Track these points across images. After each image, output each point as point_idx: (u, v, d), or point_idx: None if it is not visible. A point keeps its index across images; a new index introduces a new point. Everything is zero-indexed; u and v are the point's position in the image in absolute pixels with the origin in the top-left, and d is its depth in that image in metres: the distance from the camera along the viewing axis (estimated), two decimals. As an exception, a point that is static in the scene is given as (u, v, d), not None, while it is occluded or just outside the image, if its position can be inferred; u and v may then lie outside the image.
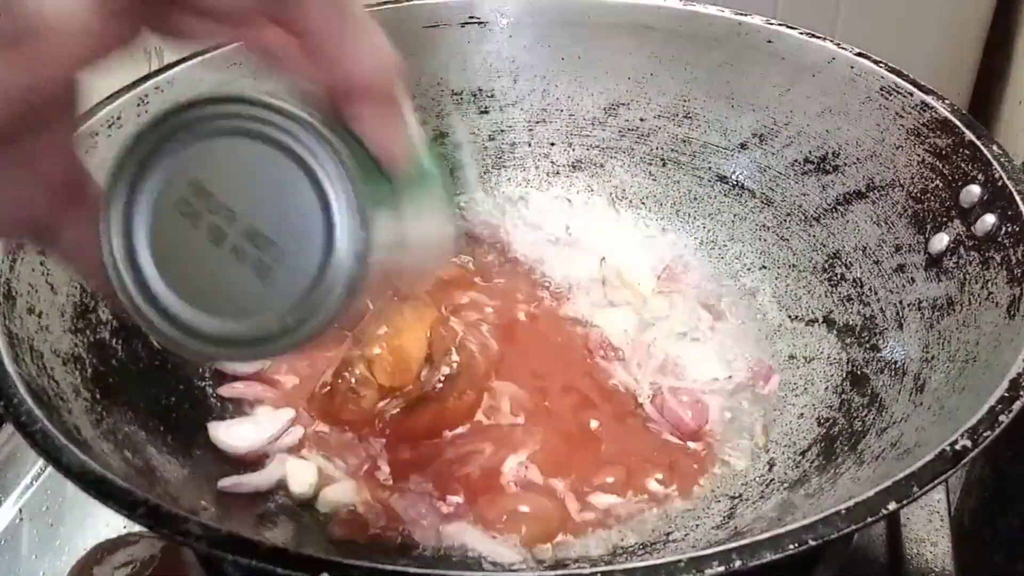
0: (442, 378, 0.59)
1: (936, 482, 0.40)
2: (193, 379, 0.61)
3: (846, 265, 0.65)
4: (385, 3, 0.75)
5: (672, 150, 0.77)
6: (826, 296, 0.66)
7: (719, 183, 0.74)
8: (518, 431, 0.58)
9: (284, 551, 0.37)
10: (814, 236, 0.68)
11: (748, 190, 0.73)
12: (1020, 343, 0.47)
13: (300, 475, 0.55)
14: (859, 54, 0.67)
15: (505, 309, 0.68)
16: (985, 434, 0.42)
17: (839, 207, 0.67)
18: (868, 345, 0.60)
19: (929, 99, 0.62)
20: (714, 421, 0.60)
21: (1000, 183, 0.56)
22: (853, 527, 0.38)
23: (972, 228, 0.56)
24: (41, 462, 0.66)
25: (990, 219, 0.55)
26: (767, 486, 0.55)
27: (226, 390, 0.62)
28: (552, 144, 0.80)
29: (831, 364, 0.62)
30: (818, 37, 0.69)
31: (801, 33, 0.70)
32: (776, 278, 0.70)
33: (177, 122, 0.33)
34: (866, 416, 0.55)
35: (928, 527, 0.62)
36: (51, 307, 0.53)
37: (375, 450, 0.57)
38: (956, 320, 0.54)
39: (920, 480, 0.40)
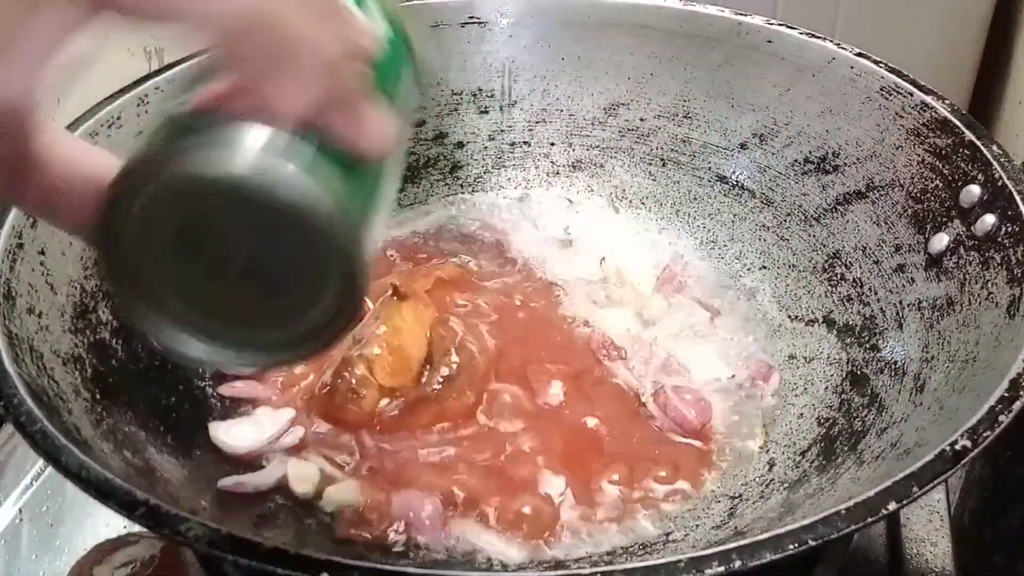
0: (441, 378, 0.59)
1: (936, 482, 0.40)
2: (193, 379, 0.61)
3: (846, 265, 0.65)
4: (385, 3, 0.75)
5: (672, 150, 0.77)
6: (826, 296, 0.66)
7: (719, 183, 0.74)
8: (520, 431, 0.58)
9: (284, 551, 0.37)
10: (814, 236, 0.68)
11: (748, 190, 0.73)
12: (1020, 343, 0.47)
13: (301, 475, 0.55)
14: (859, 54, 0.67)
15: (506, 309, 0.68)
16: (985, 434, 0.42)
17: (839, 207, 0.67)
18: (868, 345, 0.60)
19: (929, 99, 0.62)
20: (716, 420, 0.60)
21: (1000, 183, 0.56)
22: (853, 527, 0.38)
23: (972, 228, 0.56)
24: (41, 462, 0.66)
25: (990, 219, 0.55)
26: (767, 486, 0.55)
27: (226, 389, 0.62)
28: (552, 144, 0.80)
29: (831, 364, 0.62)
30: (818, 37, 0.69)
31: (801, 33, 0.70)
32: (776, 278, 0.70)
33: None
34: (866, 416, 0.55)
35: (928, 527, 0.62)
36: (51, 307, 0.53)
37: (376, 450, 0.57)
38: (956, 320, 0.54)
39: (920, 480, 0.40)
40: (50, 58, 0.30)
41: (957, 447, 0.41)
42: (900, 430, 0.51)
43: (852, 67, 0.67)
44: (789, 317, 0.67)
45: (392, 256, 0.73)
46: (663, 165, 0.77)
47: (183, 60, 0.67)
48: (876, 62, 0.66)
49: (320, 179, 0.32)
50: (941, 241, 0.58)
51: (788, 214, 0.70)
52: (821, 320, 0.65)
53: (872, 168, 0.65)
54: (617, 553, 0.52)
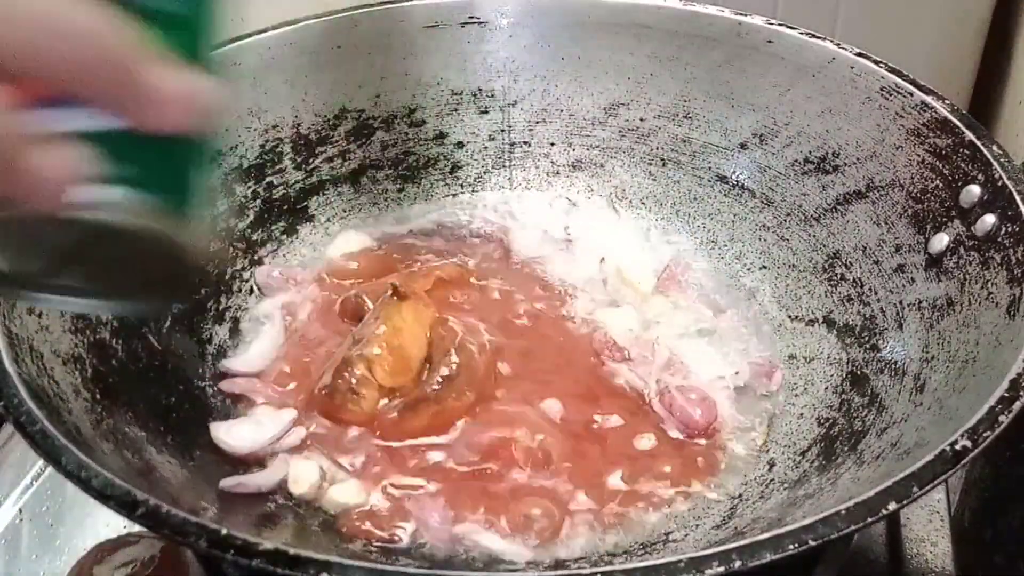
0: (441, 378, 0.59)
1: (936, 482, 0.40)
2: (193, 379, 0.61)
3: (846, 265, 0.65)
4: (385, 3, 0.75)
5: (672, 150, 0.77)
6: (826, 296, 0.66)
7: (719, 183, 0.74)
8: (523, 431, 0.58)
9: (284, 551, 0.37)
10: (814, 236, 0.68)
11: (748, 190, 0.73)
12: (1020, 343, 0.47)
13: (302, 476, 0.55)
14: (859, 54, 0.67)
15: (507, 309, 0.68)
16: (985, 434, 0.42)
17: (839, 207, 0.67)
18: (868, 345, 0.60)
19: (929, 99, 0.62)
20: (720, 419, 0.60)
21: (1000, 183, 0.56)
22: (853, 527, 0.38)
23: (972, 228, 0.56)
24: (41, 462, 0.66)
25: (990, 219, 0.55)
26: (767, 486, 0.55)
27: (227, 385, 0.62)
28: (552, 144, 0.80)
29: (831, 364, 0.62)
30: (818, 37, 0.69)
31: (801, 33, 0.70)
32: (776, 278, 0.70)
33: None
34: (866, 416, 0.55)
35: (928, 527, 0.62)
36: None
37: (378, 450, 0.57)
38: (956, 320, 0.54)
39: (920, 480, 0.40)
40: None
41: (957, 447, 0.41)
42: (900, 430, 0.51)
43: (852, 67, 0.67)
44: (789, 317, 0.67)
45: (392, 256, 0.73)
46: (663, 165, 0.77)
47: (183, 60, 0.67)
48: (876, 62, 0.66)
49: (124, 197, 0.32)
50: (941, 241, 0.58)
51: (788, 214, 0.70)
52: (821, 320, 0.65)
53: (872, 168, 0.65)
54: (617, 553, 0.52)
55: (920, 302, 0.58)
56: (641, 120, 0.77)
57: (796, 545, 0.37)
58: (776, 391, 0.62)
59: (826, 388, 0.61)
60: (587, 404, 0.61)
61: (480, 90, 0.79)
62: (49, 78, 0.29)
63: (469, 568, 0.51)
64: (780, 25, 0.71)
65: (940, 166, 0.60)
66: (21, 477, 0.65)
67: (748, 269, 0.71)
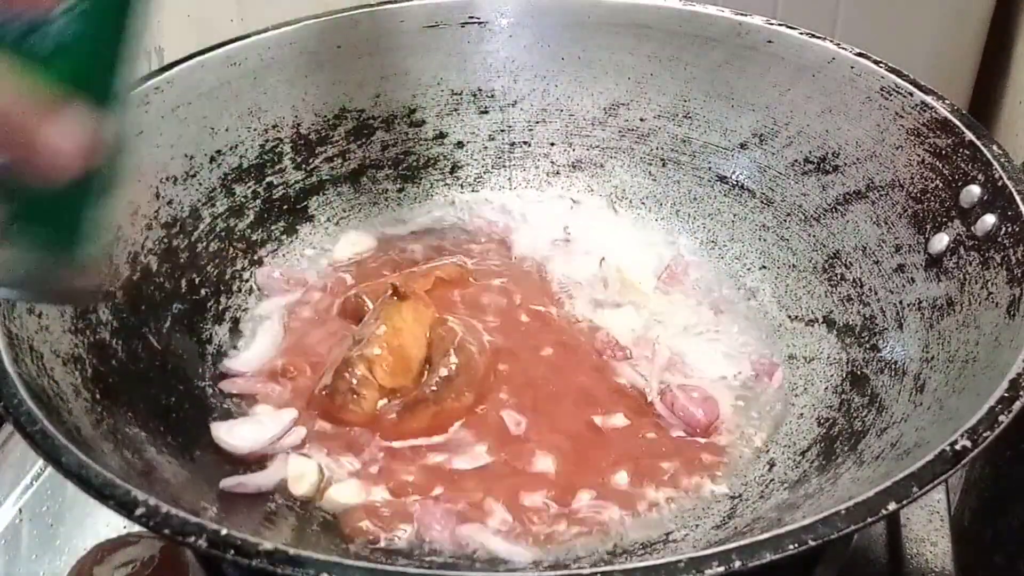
0: (440, 379, 0.59)
1: (936, 482, 0.40)
2: (193, 379, 0.61)
3: (846, 265, 0.65)
4: (385, 3, 0.75)
5: (672, 150, 0.77)
6: (826, 296, 0.66)
7: (719, 183, 0.74)
8: (526, 431, 0.58)
9: (284, 551, 0.37)
10: (814, 236, 0.68)
11: (748, 190, 0.73)
12: (1020, 343, 0.47)
13: (300, 476, 0.55)
14: (859, 54, 0.67)
15: (507, 309, 0.68)
16: (985, 434, 0.42)
17: (839, 207, 0.67)
18: (868, 345, 0.60)
19: (929, 99, 0.62)
20: (722, 418, 0.60)
21: (1000, 183, 0.56)
22: (853, 527, 0.38)
23: (972, 228, 0.56)
24: (41, 462, 0.66)
25: (990, 219, 0.55)
26: (767, 486, 0.55)
27: (227, 385, 0.62)
28: (552, 144, 0.80)
29: (831, 364, 0.62)
30: (818, 37, 0.69)
31: (801, 33, 0.70)
32: (776, 278, 0.70)
33: None
34: (866, 416, 0.55)
35: (928, 527, 0.62)
36: (51, 307, 0.53)
37: (379, 451, 0.57)
38: (956, 320, 0.54)
39: (920, 480, 0.40)
40: None
41: (957, 447, 0.41)
42: (900, 430, 0.51)
43: (852, 67, 0.67)
44: (789, 317, 0.67)
45: (392, 256, 0.73)
46: (663, 165, 0.77)
47: (183, 60, 0.67)
48: (876, 62, 0.66)
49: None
50: (941, 241, 0.58)
51: (788, 214, 0.70)
52: (821, 320, 0.65)
53: (872, 168, 0.65)
54: (617, 553, 0.52)
55: (920, 302, 0.58)
56: (641, 120, 0.77)
57: (796, 545, 0.37)
58: (777, 390, 0.62)
59: (826, 388, 0.61)
60: (589, 403, 0.61)
61: (480, 90, 0.79)
62: None
63: (470, 568, 0.51)
64: (780, 25, 0.71)
65: (940, 166, 0.60)
66: (21, 477, 0.65)
67: (748, 269, 0.71)
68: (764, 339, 0.66)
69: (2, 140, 0.29)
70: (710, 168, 0.75)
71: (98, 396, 0.51)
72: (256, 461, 0.57)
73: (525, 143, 0.80)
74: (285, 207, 0.74)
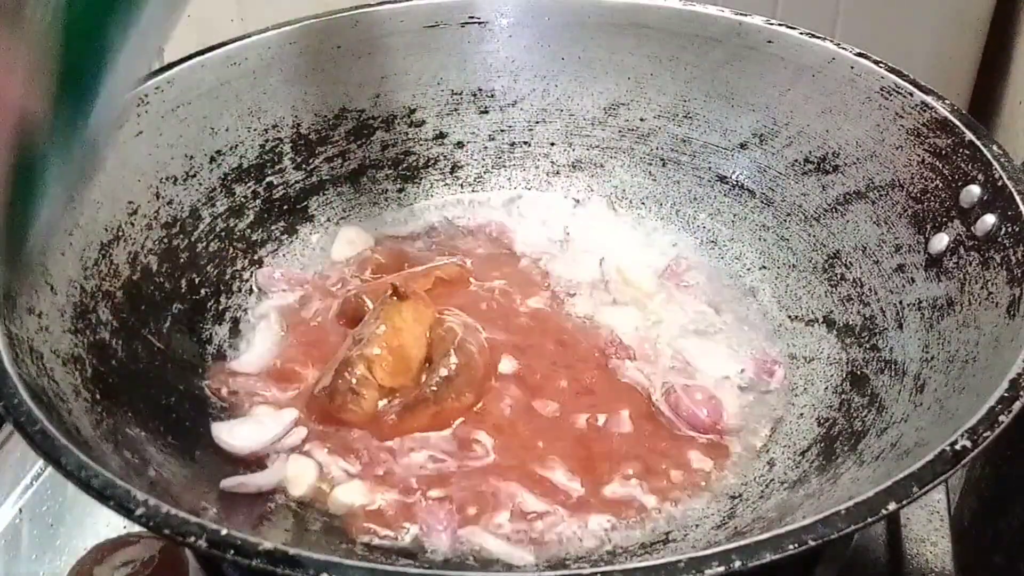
0: (440, 379, 0.59)
1: (936, 482, 0.40)
2: (193, 379, 0.61)
3: (846, 265, 0.65)
4: (385, 3, 0.75)
5: (672, 150, 0.77)
6: (826, 296, 0.66)
7: (719, 183, 0.74)
8: (529, 431, 0.58)
9: (284, 551, 0.37)
10: (814, 236, 0.68)
11: (748, 190, 0.73)
12: (1020, 343, 0.47)
13: (298, 477, 0.55)
14: (859, 54, 0.67)
15: (507, 309, 0.68)
16: (985, 434, 0.42)
17: (839, 207, 0.67)
18: (868, 345, 0.60)
19: (929, 99, 0.62)
20: (725, 418, 0.60)
21: (1000, 183, 0.56)
22: (853, 527, 0.38)
23: (972, 228, 0.56)
24: (41, 462, 0.66)
25: (990, 219, 0.55)
26: (767, 486, 0.55)
27: (227, 385, 0.62)
28: (552, 144, 0.80)
29: (831, 364, 0.62)
30: (818, 37, 0.69)
31: (801, 33, 0.70)
32: (776, 278, 0.70)
33: None
34: (866, 416, 0.55)
35: (928, 527, 0.62)
36: (51, 307, 0.53)
37: (378, 451, 0.57)
38: (956, 320, 0.54)
39: (920, 480, 0.40)
40: None
41: (957, 447, 0.41)
42: (900, 430, 0.51)
43: (852, 67, 0.67)
44: (789, 317, 0.67)
45: (392, 256, 0.73)
46: (663, 165, 0.77)
47: (183, 60, 0.67)
48: (876, 62, 0.66)
49: None
50: (941, 241, 0.58)
51: (788, 214, 0.70)
52: (821, 320, 0.65)
53: (872, 168, 0.65)
54: (617, 553, 0.52)
55: (920, 302, 0.58)
56: (641, 120, 0.77)
57: (796, 545, 0.37)
58: (778, 388, 0.62)
59: (826, 388, 0.61)
60: (592, 403, 0.61)
61: (480, 90, 0.79)
62: None
63: (470, 569, 0.51)
64: (780, 25, 0.71)
65: (940, 166, 0.60)
66: (21, 477, 0.65)
67: (748, 269, 0.71)
68: (764, 339, 0.66)
69: None
70: (710, 168, 0.75)
71: (98, 396, 0.51)
72: (256, 461, 0.57)
73: (525, 143, 0.80)
74: (285, 207, 0.74)
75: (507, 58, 0.78)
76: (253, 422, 0.59)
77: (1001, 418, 0.42)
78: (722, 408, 0.60)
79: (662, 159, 0.77)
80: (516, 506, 0.54)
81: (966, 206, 0.57)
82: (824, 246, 0.67)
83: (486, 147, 0.80)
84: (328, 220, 0.76)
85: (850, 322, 0.63)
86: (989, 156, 0.57)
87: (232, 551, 0.37)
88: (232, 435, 0.57)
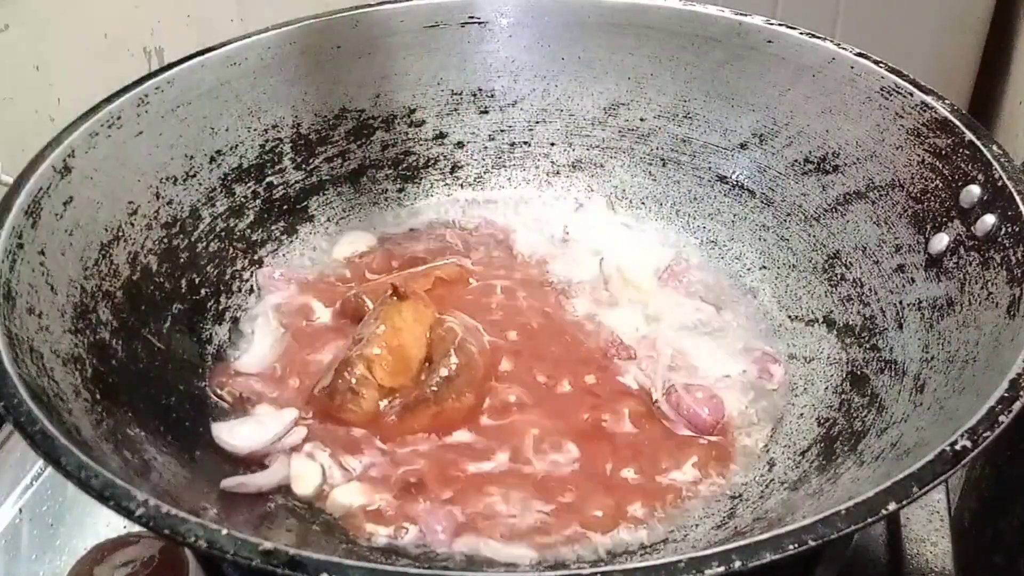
0: (440, 379, 0.59)
1: (936, 482, 0.40)
2: (193, 379, 0.61)
3: (846, 265, 0.65)
4: (385, 3, 0.75)
5: (672, 150, 0.77)
6: (826, 296, 0.66)
7: (719, 183, 0.74)
8: (530, 431, 0.58)
9: (284, 551, 0.37)
10: (814, 236, 0.68)
11: (748, 190, 0.73)
12: (1020, 343, 0.47)
13: (303, 476, 0.55)
14: (859, 54, 0.67)
15: (508, 309, 0.68)
16: (985, 434, 0.42)
17: (839, 207, 0.67)
18: (868, 345, 0.60)
19: (929, 99, 0.62)
20: (727, 417, 0.60)
21: (1000, 183, 0.56)
22: (853, 527, 0.38)
23: (972, 228, 0.56)
24: (41, 462, 0.66)
25: (990, 219, 0.55)
26: (767, 486, 0.55)
27: (227, 384, 0.62)
28: (552, 144, 0.80)
29: (831, 364, 0.62)
30: (818, 37, 0.69)
31: (801, 33, 0.70)
32: (776, 278, 0.70)
33: None
34: (866, 416, 0.55)
35: (928, 527, 0.62)
36: (51, 307, 0.53)
37: (379, 451, 0.57)
38: (956, 320, 0.54)
39: (920, 480, 0.40)
40: None
41: (957, 447, 0.41)
42: (900, 430, 0.51)
43: (852, 67, 0.67)
44: (789, 317, 0.67)
45: (392, 256, 0.73)
46: (663, 165, 0.77)
47: (183, 60, 0.67)
48: (876, 62, 0.66)
49: None
50: (941, 241, 0.58)
51: (788, 214, 0.70)
52: (821, 320, 0.65)
53: (872, 168, 0.65)
54: (617, 553, 0.52)
55: (920, 302, 0.58)
56: (641, 120, 0.77)
57: (796, 545, 0.37)
58: (778, 388, 0.62)
59: (826, 388, 0.61)
60: (593, 403, 0.61)
61: (480, 90, 0.79)
62: None
63: (470, 569, 0.51)
64: (780, 25, 0.71)
65: (940, 166, 0.60)
66: (21, 477, 0.65)
67: (748, 269, 0.71)
68: (764, 339, 0.66)
69: None
70: (710, 168, 0.75)
71: (98, 396, 0.51)
72: (257, 461, 0.57)
73: (525, 143, 0.80)
74: (285, 207, 0.74)
75: (507, 58, 0.78)
76: (253, 422, 0.59)
77: (1001, 418, 0.42)
78: (723, 407, 0.60)
79: (662, 159, 0.77)
80: (517, 506, 0.54)
81: (966, 206, 0.57)
82: (824, 246, 0.67)
83: (486, 147, 0.80)
84: (328, 220, 0.76)
85: (850, 322, 0.63)
86: (989, 156, 0.57)
87: (232, 551, 0.37)
88: (232, 435, 0.57)
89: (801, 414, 0.60)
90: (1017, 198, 0.54)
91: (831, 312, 0.65)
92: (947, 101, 0.62)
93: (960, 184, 0.58)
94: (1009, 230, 0.54)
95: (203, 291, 0.66)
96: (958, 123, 0.60)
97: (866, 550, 0.61)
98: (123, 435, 0.50)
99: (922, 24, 1.04)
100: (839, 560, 0.56)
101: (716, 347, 0.66)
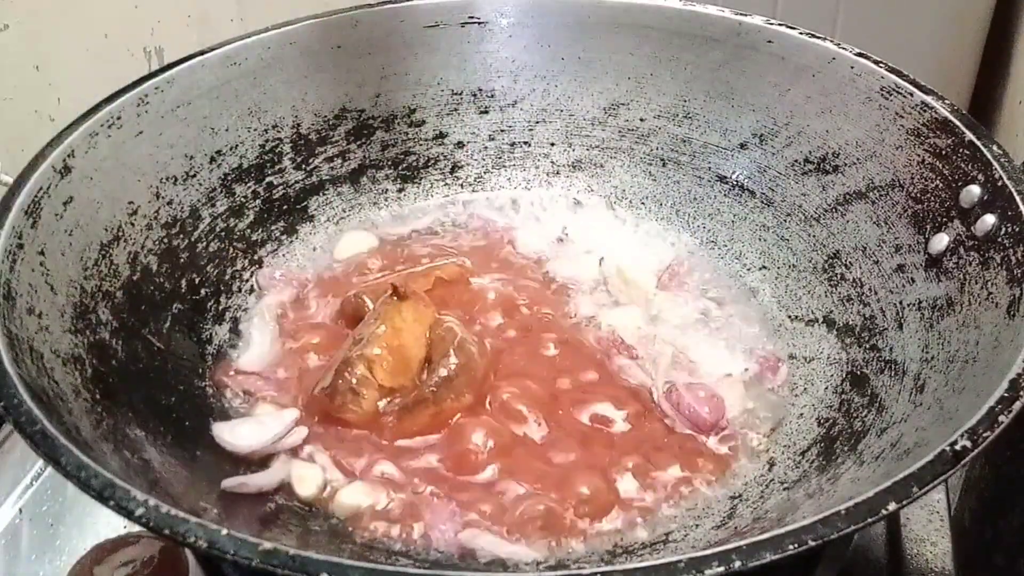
0: (440, 379, 0.59)
1: (936, 482, 0.40)
2: (193, 379, 0.61)
3: (846, 265, 0.65)
4: (385, 3, 0.75)
5: (672, 150, 0.77)
6: (826, 296, 0.66)
7: (719, 183, 0.74)
8: (530, 430, 0.58)
9: (284, 551, 0.37)
10: (814, 236, 0.68)
11: (748, 190, 0.73)
12: (1020, 343, 0.47)
13: (305, 477, 0.55)
14: (859, 54, 0.67)
15: (508, 309, 0.68)
16: (985, 434, 0.42)
17: (839, 207, 0.67)
18: (868, 345, 0.60)
19: (929, 99, 0.62)
20: (728, 416, 0.60)
21: (1000, 183, 0.56)
22: (853, 527, 0.38)
23: (972, 228, 0.56)
24: (41, 462, 0.66)
25: (990, 219, 0.55)
26: (767, 486, 0.55)
27: (228, 384, 0.62)
28: (552, 144, 0.80)
29: (831, 364, 0.62)
30: (818, 37, 0.69)
31: (801, 33, 0.70)
32: (776, 278, 0.70)
33: None
34: (866, 416, 0.55)
35: (928, 527, 0.62)
36: (51, 307, 0.53)
37: (380, 451, 0.57)
38: (956, 320, 0.54)
39: (920, 480, 0.40)
40: None
41: (957, 447, 0.41)
42: (900, 430, 0.51)
43: (852, 67, 0.67)
44: (789, 317, 0.67)
45: (392, 256, 0.73)
46: (663, 165, 0.77)
47: (183, 60, 0.67)
48: (876, 62, 0.66)
49: None
50: (941, 241, 0.58)
51: (788, 214, 0.70)
52: (821, 320, 0.65)
53: (872, 168, 0.65)
54: (617, 553, 0.52)
55: (920, 302, 0.58)
56: (641, 120, 0.77)
57: (796, 545, 0.37)
58: (779, 387, 0.62)
59: (826, 388, 0.61)
60: (593, 402, 0.61)
61: (480, 90, 0.79)
62: None
63: (470, 568, 0.51)
64: (780, 25, 0.71)
65: (940, 166, 0.60)
66: (21, 477, 0.65)
67: (748, 269, 0.71)
68: (765, 339, 0.66)
69: None
70: (710, 168, 0.75)
71: (98, 396, 0.51)
72: (257, 461, 0.57)
73: (525, 143, 0.80)
74: (285, 207, 0.74)
75: (507, 58, 0.78)
76: (254, 422, 0.59)
77: (1001, 418, 0.42)
78: (724, 406, 0.61)
79: (662, 159, 0.77)
80: (517, 506, 0.54)
81: (966, 206, 0.57)
82: (824, 246, 0.67)
83: (486, 147, 0.80)
84: (328, 220, 0.76)
85: (850, 322, 0.63)
86: (989, 156, 0.57)
87: (232, 551, 0.37)
88: (233, 434, 0.57)
89: (801, 414, 0.60)
90: (1017, 198, 0.54)
91: (831, 312, 0.65)
92: (947, 101, 0.62)
93: (960, 184, 0.58)
94: (1009, 230, 0.54)
95: (203, 291, 0.66)
96: (958, 123, 0.60)
97: (866, 550, 0.61)
98: (123, 435, 0.50)
99: (922, 24, 1.04)
100: (839, 560, 0.56)
101: (717, 346, 0.66)
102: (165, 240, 0.65)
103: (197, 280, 0.66)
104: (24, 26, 0.76)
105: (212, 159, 0.69)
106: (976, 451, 0.41)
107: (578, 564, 0.52)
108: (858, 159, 0.66)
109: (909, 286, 0.60)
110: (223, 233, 0.69)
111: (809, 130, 0.69)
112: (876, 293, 0.62)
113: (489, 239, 0.76)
